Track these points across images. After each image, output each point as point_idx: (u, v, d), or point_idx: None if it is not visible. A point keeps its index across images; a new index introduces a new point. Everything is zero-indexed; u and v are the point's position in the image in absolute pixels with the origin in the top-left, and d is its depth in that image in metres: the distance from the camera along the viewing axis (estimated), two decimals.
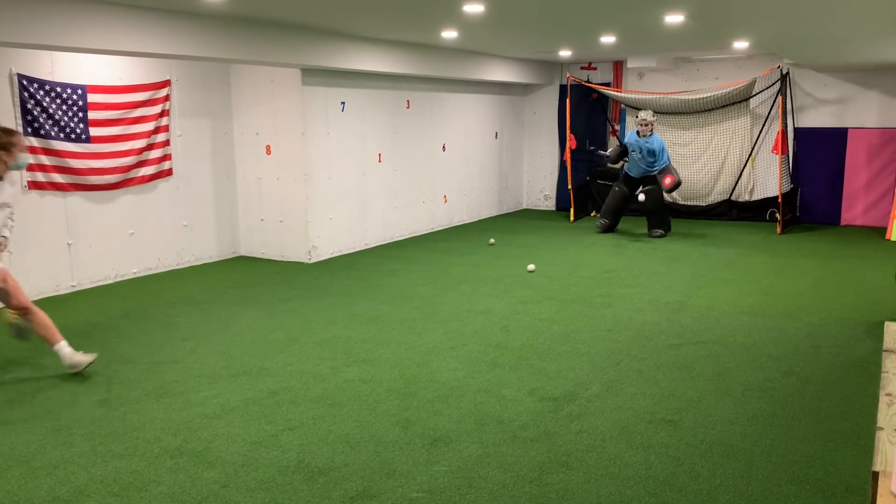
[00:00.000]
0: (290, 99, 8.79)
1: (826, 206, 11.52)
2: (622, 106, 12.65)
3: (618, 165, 11.38)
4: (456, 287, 7.66)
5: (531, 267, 8.35)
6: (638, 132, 10.37)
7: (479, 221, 12.35)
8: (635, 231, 10.94)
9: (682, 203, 12.27)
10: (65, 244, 7.47)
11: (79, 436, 4.19)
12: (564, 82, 12.82)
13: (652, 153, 10.23)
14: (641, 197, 10.27)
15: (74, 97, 7.35)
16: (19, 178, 7.01)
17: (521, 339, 5.90)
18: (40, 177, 7.16)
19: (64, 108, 7.28)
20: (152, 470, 3.78)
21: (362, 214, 9.87)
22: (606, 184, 12.71)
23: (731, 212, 12.00)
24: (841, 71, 11.18)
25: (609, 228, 10.89)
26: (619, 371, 5.18)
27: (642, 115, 10.37)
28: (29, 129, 7.02)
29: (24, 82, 6.93)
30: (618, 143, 10.89)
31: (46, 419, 4.43)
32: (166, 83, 8.28)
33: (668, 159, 10.40)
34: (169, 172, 8.42)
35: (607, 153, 10.98)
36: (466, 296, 7.29)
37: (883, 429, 2.35)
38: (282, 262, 9.10)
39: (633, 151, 10.41)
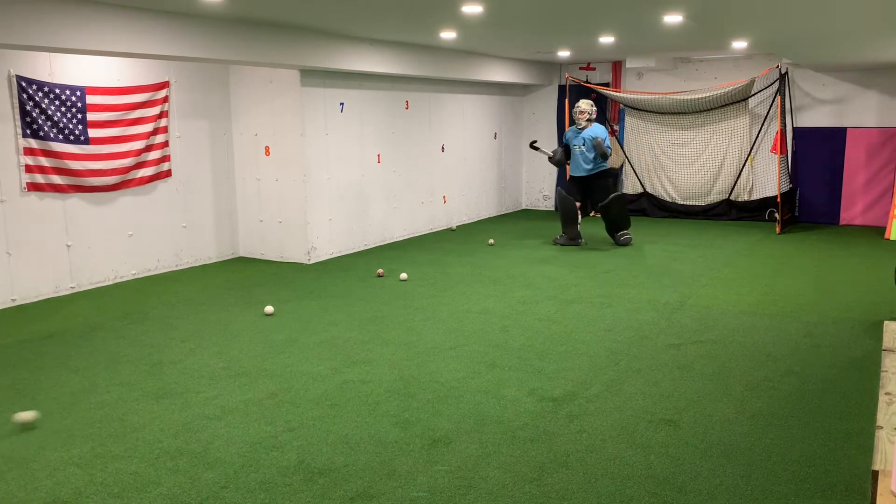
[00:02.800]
0: (289, 100, 8.80)
1: (825, 205, 11.53)
2: (621, 106, 12.65)
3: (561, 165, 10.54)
4: (455, 287, 7.66)
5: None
6: (574, 122, 9.77)
7: (479, 222, 12.35)
8: (634, 232, 10.92)
9: (682, 203, 12.27)
10: (64, 246, 7.47)
11: (78, 437, 4.19)
12: (563, 83, 12.83)
13: (595, 138, 9.49)
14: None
15: (73, 98, 7.35)
16: (18, 179, 7.01)
17: (520, 340, 5.90)
18: (39, 178, 7.16)
19: (63, 109, 7.27)
20: (152, 471, 3.78)
21: (361, 215, 9.86)
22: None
23: (730, 212, 12.01)
24: (839, 70, 11.19)
25: (573, 240, 9.87)
26: (619, 371, 5.18)
27: (582, 105, 9.69)
28: (28, 131, 7.02)
29: (23, 84, 6.93)
30: (560, 146, 10.19)
31: (46, 420, 4.42)
32: (165, 84, 8.28)
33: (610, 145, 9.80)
34: (168, 174, 8.42)
35: (550, 152, 10.24)
36: (466, 296, 7.29)
37: (882, 428, 2.35)
38: (281, 262, 9.10)
39: (574, 146, 9.77)
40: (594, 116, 9.82)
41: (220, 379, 5.10)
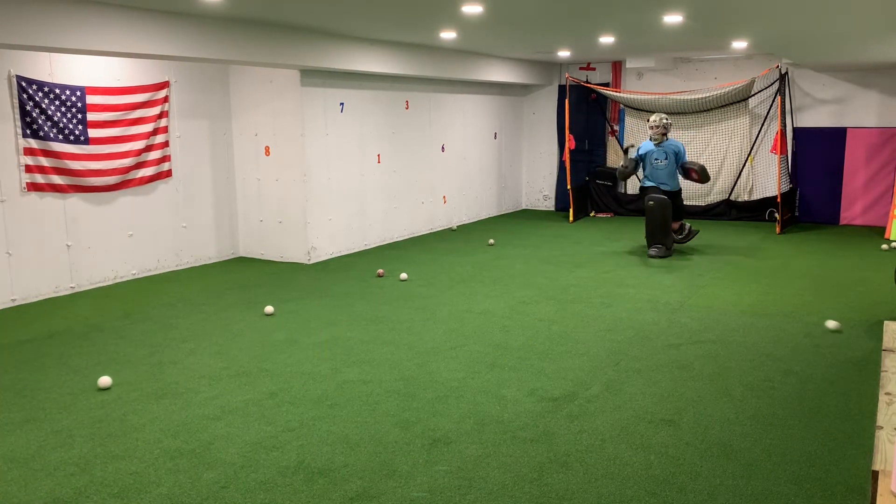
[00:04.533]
0: (289, 100, 8.80)
1: (825, 205, 11.52)
2: (621, 106, 12.65)
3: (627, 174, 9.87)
4: (455, 287, 7.66)
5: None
6: (651, 138, 9.25)
7: (479, 222, 12.35)
8: (634, 232, 10.93)
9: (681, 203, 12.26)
10: (64, 246, 7.47)
11: (78, 437, 4.19)
12: (563, 83, 12.83)
13: (678, 154, 9.23)
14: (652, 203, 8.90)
15: (73, 99, 7.35)
16: (18, 179, 7.01)
17: (520, 340, 5.90)
18: (39, 178, 7.16)
19: (63, 109, 7.27)
20: (152, 471, 3.78)
21: (361, 215, 9.86)
22: (606, 184, 12.72)
23: (730, 212, 12.01)
24: (839, 70, 11.19)
25: (668, 252, 9.13)
26: (619, 371, 5.18)
27: (651, 119, 9.19)
28: (28, 131, 7.02)
29: (23, 84, 6.93)
30: (632, 158, 9.53)
31: (46, 421, 4.42)
32: (165, 84, 8.28)
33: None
34: (168, 174, 8.42)
35: (624, 164, 9.59)
36: (466, 296, 7.29)
37: (882, 428, 2.35)
38: (281, 262, 9.10)
39: (656, 160, 9.19)
40: (669, 123, 9.19)
41: (220, 379, 5.09)
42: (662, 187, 9.25)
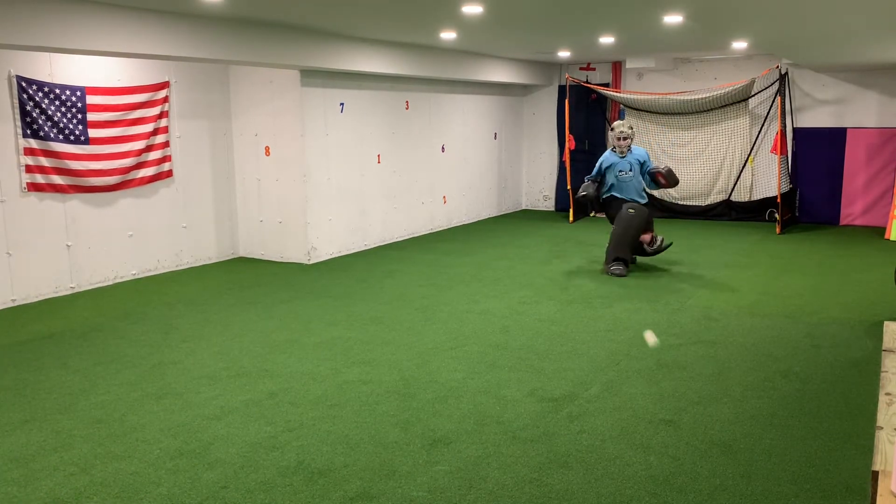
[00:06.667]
0: (289, 100, 8.80)
1: (825, 205, 11.52)
2: (621, 106, 12.65)
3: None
4: (455, 287, 7.66)
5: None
6: (614, 148, 8.52)
7: (479, 222, 12.35)
8: None
9: (681, 203, 12.27)
10: (64, 246, 7.47)
11: (78, 437, 4.19)
12: (563, 83, 12.83)
13: (643, 163, 8.60)
14: (631, 211, 8.16)
15: (73, 99, 7.35)
16: (18, 179, 7.01)
17: (520, 340, 5.90)
18: (39, 179, 7.16)
19: (63, 109, 7.27)
20: (152, 471, 3.78)
21: (361, 215, 9.86)
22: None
23: (730, 212, 12.00)
24: (839, 71, 11.19)
25: (627, 270, 8.34)
26: (619, 371, 5.18)
27: (620, 128, 8.47)
28: (28, 131, 7.02)
29: (23, 84, 6.93)
30: (587, 180, 8.65)
31: (46, 421, 4.42)
32: (165, 84, 8.27)
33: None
34: (168, 174, 8.42)
35: (582, 195, 8.62)
36: (466, 296, 7.29)
37: (882, 428, 2.35)
38: (281, 263, 9.10)
39: (621, 171, 8.44)
40: (633, 133, 8.53)
41: (220, 379, 5.09)
42: (627, 198, 8.49)
